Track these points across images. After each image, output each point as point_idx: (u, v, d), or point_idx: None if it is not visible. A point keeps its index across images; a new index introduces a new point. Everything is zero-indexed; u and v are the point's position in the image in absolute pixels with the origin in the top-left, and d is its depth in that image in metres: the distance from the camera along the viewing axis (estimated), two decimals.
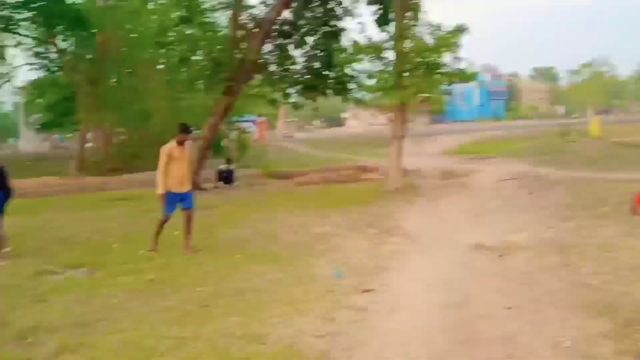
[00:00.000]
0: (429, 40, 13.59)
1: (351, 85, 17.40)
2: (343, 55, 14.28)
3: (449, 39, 13.13)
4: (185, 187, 8.28)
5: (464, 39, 13.39)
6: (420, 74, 13.33)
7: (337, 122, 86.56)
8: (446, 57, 13.59)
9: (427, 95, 13.84)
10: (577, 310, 5.30)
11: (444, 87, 14.21)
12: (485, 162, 20.24)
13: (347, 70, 16.92)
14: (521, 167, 17.50)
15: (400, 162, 13.99)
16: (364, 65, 14.52)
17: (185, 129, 8.31)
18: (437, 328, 5.08)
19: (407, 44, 13.48)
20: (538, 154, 22.08)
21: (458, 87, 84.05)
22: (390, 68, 13.64)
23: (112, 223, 10.84)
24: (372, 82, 14.40)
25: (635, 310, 5.13)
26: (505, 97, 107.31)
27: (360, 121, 77.14)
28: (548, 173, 15.46)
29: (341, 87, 17.61)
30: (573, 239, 8.19)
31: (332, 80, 17.70)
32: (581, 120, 33.38)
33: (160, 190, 8.04)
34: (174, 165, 8.09)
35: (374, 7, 16.34)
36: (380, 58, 13.80)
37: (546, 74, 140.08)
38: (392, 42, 13.62)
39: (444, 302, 5.80)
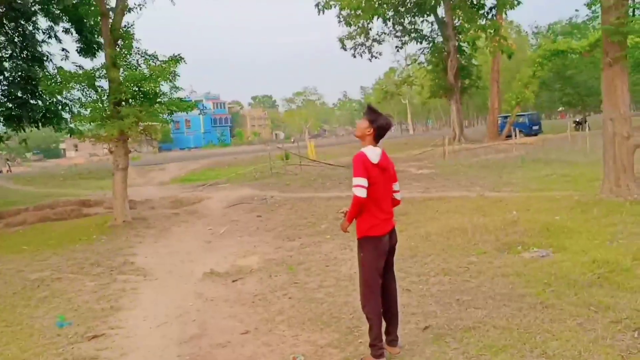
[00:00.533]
0: (144, 69, 13.30)
1: (64, 115, 16.19)
2: (49, 83, 13.08)
3: (165, 68, 13.01)
4: None
5: (182, 69, 13.45)
6: (138, 104, 12.95)
7: (55, 153, 79.89)
8: (164, 87, 13.44)
9: (147, 124, 13.44)
10: (307, 325, 5.60)
11: (164, 116, 13.98)
12: (214, 188, 20.55)
13: (58, 99, 15.68)
14: (248, 191, 18.18)
15: (126, 194, 13.35)
16: (76, 94, 13.54)
17: None
18: None
19: (121, 73, 12.99)
20: (263, 177, 23.25)
21: (182, 115, 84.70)
22: (105, 97, 12.98)
23: None
24: (86, 112, 13.50)
25: (354, 317, 5.60)
26: (230, 124, 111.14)
27: (81, 152, 72.36)
28: (273, 195, 16.32)
29: (51, 117, 16.24)
30: (299, 256, 8.71)
31: (39, 110, 16.21)
32: (299, 144, 36.12)
33: None
34: None
35: (74, 36, 15.60)
36: (93, 87, 13.02)
37: (265, 102, 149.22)
38: (104, 71, 12.98)
39: (180, 336, 5.63)
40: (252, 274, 7.98)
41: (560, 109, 64.55)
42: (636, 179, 10.74)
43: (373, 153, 4.46)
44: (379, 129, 4.52)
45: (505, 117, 42.76)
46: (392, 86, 56.47)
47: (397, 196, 4.81)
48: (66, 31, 16.09)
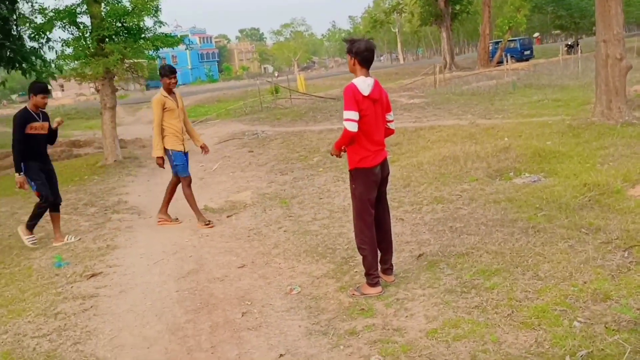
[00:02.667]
0: (126, 3, 12.89)
1: (36, 59, 15.76)
2: (31, 23, 12.68)
3: (147, 2, 12.62)
4: None
5: (166, 3, 13.07)
6: (122, 40, 12.64)
7: None
8: (148, 22, 13.10)
9: (133, 61, 13.16)
10: (303, 257, 5.67)
11: (150, 52, 13.67)
12: (204, 125, 20.40)
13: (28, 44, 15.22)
14: (239, 126, 18.06)
15: (115, 133, 13.22)
16: (58, 32, 13.14)
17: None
18: (172, 300, 4.96)
19: (103, 8, 12.58)
20: (253, 112, 23.04)
21: (169, 51, 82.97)
22: (88, 34, 12.62)
23: None
24: (69, 50, 13.14)
25: (349, 247, 5.67)
26: (217, 59, 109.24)
27: (68, 92, 71.24)
28: (264, 130, 16.22)
29: (20, 61, 15.81)
30: (292, 190, 8.74)
31: (12, 52, 15.74)
32: (288, 77, 35.63)
33: None
34: None
35: None
36: (75, 23, 12.62)
37: (252, 35, 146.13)
38: (85, 7, 12.56)
39: (178, 272, 5.69)
40: (246, 208, 8.03)
41: (535, 34, 63.27)
42: (628, 102, 10.70)
43: (364, 84, 4.32)
44: (360, 54, 4.32)
45: (497, 43, 42.23)
46: (382, 14, 55.23)
47: (391, 126, 4.73)
48: None
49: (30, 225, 7.11)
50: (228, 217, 7.70)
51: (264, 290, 4.95)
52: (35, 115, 6.77)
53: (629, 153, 7.88)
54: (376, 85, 4.42)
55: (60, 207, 7.31)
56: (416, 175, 8.26)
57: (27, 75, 16.44)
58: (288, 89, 27.01)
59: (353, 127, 4.26)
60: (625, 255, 4.57)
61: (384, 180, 4.65)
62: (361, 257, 4.63)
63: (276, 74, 64.44)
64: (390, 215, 4.91)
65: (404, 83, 31.82)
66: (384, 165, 4.59)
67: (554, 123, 11.09)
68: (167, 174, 11.53)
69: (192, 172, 11.41)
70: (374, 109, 4.37)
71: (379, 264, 4.68)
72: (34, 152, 6.80)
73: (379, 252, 4.68)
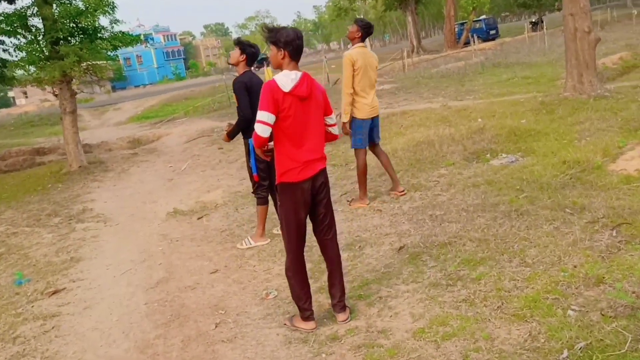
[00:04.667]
0: (80, 3, 12.33)
1: None
2: None
3: (101, 0, 12.08)
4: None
5: (125, 1, 12.58)
6: (78, 41, 12.10)
7: (5, 102, 76.79)
8: (103, 21, 12.56)
9: (90, 63, 12.60)
10: (278, 257, 5.38)
11: (109, 52, 13.15)
12: (173, 124, 19.91)
13: None
14: (208, 123, 17.63)
15: (78, 137, 12.69)
16: (12, 32, 12.43)
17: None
18: (141, 313, 4.64)
19: (55, 9, 12.03)
20: (221, 108, 22.60)
21: (133, 51, 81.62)
22: (41, 37, 12.05)
23: None
24: (21, 55, 12.55)
25: None
26: (183, 56, 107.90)
27: (31, 98, 69.64)
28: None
29: None
30: None
31: None
32: (256, 70, 35.05)
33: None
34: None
35: None
36: (26, 27, 12.03)
37: (217, 30, 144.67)
38: (36, 9, 11.98)
39: (146, 282, 5.37)
40: (218, 209, 7.70)
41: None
42: (598, 74, 10.60)
43: (286, 79, 3.60)
44: (291, 44, 3.64)
45: (462, 24, 42.23)
46: (346, 2, 54.91)
47: (334, 130, 3.99)
48: None
49: None
50: (199, 219, 7.36)
51: (239, 297, 4.66)
52: None
53: (605, 127, 7.74)
54: (305, 79, 3.66)
55: (23, 219, 6.89)
56: (391, 163, 8.00)
57: None
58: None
59: (263, 132, 3.58)
60: (614, 234, 4.38)
61: (319, 198, 3.83)
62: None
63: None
64: (339, 243, 4.13)
65: None
66: (317, 178, 3.77)
67: (526, 101, 10.95)
68: (133, 178, 11.20)
69: (160, 174, 11.13)
70: (302, 108, 3.65)
71: (313, 295, 4.06)
72: None
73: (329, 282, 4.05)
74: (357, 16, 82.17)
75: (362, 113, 6.24)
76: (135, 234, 7.19)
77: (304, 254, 3.98)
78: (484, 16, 45.98)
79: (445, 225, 5.30)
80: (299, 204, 3.76)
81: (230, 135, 5.74)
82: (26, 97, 79.86)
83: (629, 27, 28.56)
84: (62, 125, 12.60)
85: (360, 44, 6.25)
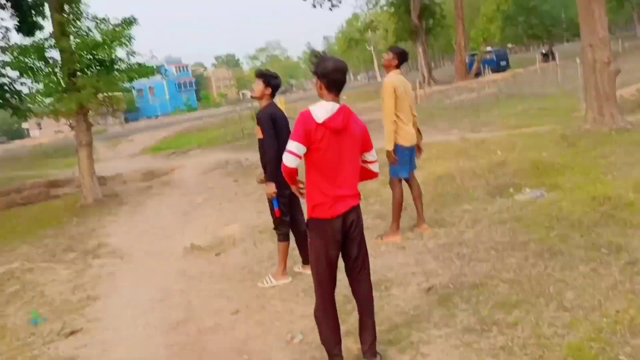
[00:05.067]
0: (97, 35, 12.44)
1: (16, 92, 15.19)
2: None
3: (118, 32, 12.19)
4: None
5: (138, 33, 12.69)
6: (95, 73, 12.16)
7: (19, 134, 77.63)
8: (120, 52, 12.63)
9: (107, 94, 12.66)
10: (301, 297, 5.22)
11: (125, 84, 13.21)
12: (187, 156, 19.92)
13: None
14: (222, 155, 17.59)
15: (93, 170, 12.68)
16: (26, 69, 12.52)
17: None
18: (161, 357, 4.47)
19: (73, 41, 12.13)
20: (235, 139, 22.62)
21: (146, 83, 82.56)
22: (58, 69, 12.13)
23: None
24: (39, 87, 12.64)
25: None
26: (195, 87, 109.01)
27: (45, 130, 70.36)
28: (248, 157, 15.77)
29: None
30: None
31: None
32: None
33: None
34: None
35: (9, 13, 14.49)
36: (43, 59, 12.12)
37: (228, 61, 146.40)
38: (54, 41, 12.09)
39: (166, 322, 5.20)
40: (236, 244, 7.55)
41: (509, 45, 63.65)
42: (619, 106, 10.47)
43: (321, 110, 3.48)
44: (327, 76, 3.51)
45: (473, 55, 42.39)
46: (356, 33, 55.42)
47: (374, 167, 3.81)
48: (2, 7, 14.83)
49: None
50: (217, 255, 7.22)
51: (262, 340, 4.49)
52: None
53: (632, 161, 7.58)
54: (342, 112, 3.52)
55: (38, 254, 6.76)
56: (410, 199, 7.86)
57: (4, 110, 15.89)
58: None
59: (291, 162, 3.48)
60: None
61: (350, 237, 3.65)
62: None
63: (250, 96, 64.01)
64: (372, 285, 3.98)
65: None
66: (348, 216, 3.59)
67: (545, 133, 10.82)
68: (148, 211, 11.11)
69: (176, 208, 11.02)
70: (336, 141, 3.50)
71: (358, 341, 3.91)
72: None
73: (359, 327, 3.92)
74: (368, 47, 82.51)
75: (406, 140, 6.16)
76: (152, 270, 7.05)
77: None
78: (492, 47, 46.20)
79: (474, 264, 5.13)
80: (329, 242, 3.61)
81: (272, 177, 5.45)
82: (40, 128, 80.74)
83: None
84: (78, 157, 12.59)
85: (397, 70, 6.20)
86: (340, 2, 45.45)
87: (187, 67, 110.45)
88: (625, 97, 14.05)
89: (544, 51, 46.55)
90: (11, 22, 14.36)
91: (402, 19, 42.49)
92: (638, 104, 13.36)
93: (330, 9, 43.66)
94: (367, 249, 3.84)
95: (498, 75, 33.30)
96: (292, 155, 3.47)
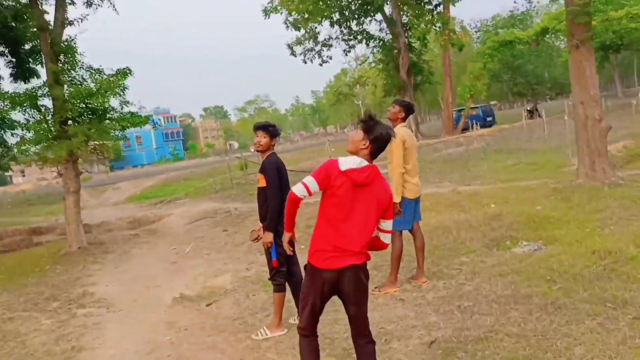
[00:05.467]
0: (91, 84, 12.45)
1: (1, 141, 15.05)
2: None
3: (113, 82, 12.22)
4: None
5: (129, 83, 12.73)
6: (86, 121, 12.09)
7: (2, 181, 76.79)
8: (113, 102, 12.62)
9: (98, 143, 12.55)
10: (298, 350, 4.99)
11: (116, 133, 13.15)
12: (173, 205, 19.70)
13: None
14: (210, 204, 17.41)
15: (79, 218, 12.45)
16: (16, 117, 12.51)
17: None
18: None
19: (66, 90, 12.11)
20: (223, 189, 22.47)
21: (133, 132, 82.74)
22: (50, 117, 12.06)
23: None
24: (30, 134, 12.52)
25: (348, 336, 5.04)
26: (182, 138, 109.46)
27: (29, 177, 69.77)
28: (237, 207, 15.62)
29: None
30: None
31: None
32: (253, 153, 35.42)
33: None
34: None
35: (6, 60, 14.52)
36: (36, 107, 12.08)
37: (217, 113, 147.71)
38: (47, 89, 12.07)
39: None
40: (227, 295, 7.34)
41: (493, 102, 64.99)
42: (611, 162, 10.55)
43: (348, 160, 3.48)
44: (377, 142, 3.52)
45: (459, 111, 43.08)
46: (345, 87, 56.26)
47: (384, 237, 3.64)
48: (1, 54, 14.87)
49: None
50: (208, 305, 6.98)
51: None
52: None
53: (628, 216, 7.56)
54: (368, 170, 3.47)
55: (19, 302, 6.47)
56: (408, 249, 7.72)
57: None
58: (258, 163, 26.60)
59: (299, 192, 3.49)
60: None
61: (347, 296, 3.57)
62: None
63: (252, 149, 64.21)
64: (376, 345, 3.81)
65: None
66: (344, 273, 3.47)
67: (537, 187, 10.83)
68: (135, 260, 10.84)
69: (163, 257, 10.77)
70: (353, 194, 3.44)
71: None
72: None
73: None
74: (357, 102, 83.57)
75: (411, 193, 6.12)
76: (140, 321, 6.78)
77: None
78: (478, 104, 47.05)
79: (476, 318, 4.98)
80: (317, 292, 3.57)
81: (271, 227, 5.36)
82: (23, 175, 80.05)
83: (624, 116, 29.11)
84: (65, 204, 12.37)
85: (403, 123, 6.19)
86: (330, 59, 46.27)
87: (175, 117, 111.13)
88: (613, 152, 14.23)
89: (529, 108, 47.47)
90: (7, 70, 14.35)
91: (390, 75, 43.16)
92: (626, 160, 13.53)
93: (321, 65, 44.26)
94: (366, 312, 3.72)
95: (484, 131, 33.75)
96: (304, 187, 3.49)
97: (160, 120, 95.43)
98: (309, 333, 3.75)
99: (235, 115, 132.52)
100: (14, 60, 14.48)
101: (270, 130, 5.51)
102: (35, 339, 6.50)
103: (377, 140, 3.53)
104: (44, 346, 6.18)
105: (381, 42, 44.14)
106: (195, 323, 6.35)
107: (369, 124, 3.57)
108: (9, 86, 14.95)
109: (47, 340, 6.37)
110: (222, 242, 11.29)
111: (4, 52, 14.62)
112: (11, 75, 14.49)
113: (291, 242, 3.95)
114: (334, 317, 5.73)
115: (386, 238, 3.66)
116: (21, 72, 14.40)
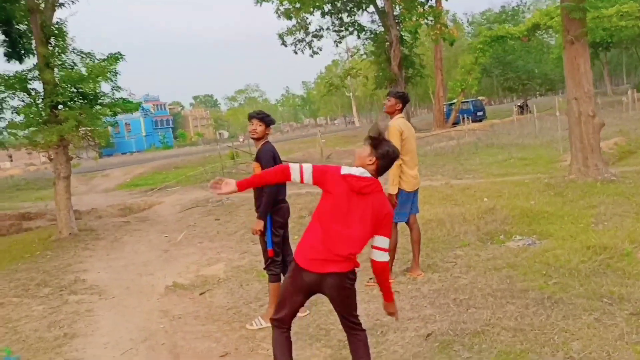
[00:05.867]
0: (82, 69, 12.31)
1: None
2: None
3: (104, 67, 12.09)
4: None
5: (121, 69, 12.62)
6: (77, 106, 11.96)
7: None
8: (105, 87, 12.51)
9: (89, 128, 12.43)
10: (293, 341, 4.99)
11: (108, 119, 13.03)
12: (164, 193, 19.59)
13: None
14: (201, 193, 17.32)
15: (70, 204, 12.34)
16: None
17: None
18: None
19: (57, 74, 11.98)
20: (213, 178, 22.35)
21: (123, 118, 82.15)
22: (40, 101, 11.92)
23: None
24: (19, 118, 12.38)
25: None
26: (171, 126, 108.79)
27: (17, 162, 69.17)
28: (229, 197, 15.56)
29: None
30: None
31: None
32: (248, 142, 35.34)
33: None
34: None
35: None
36: (25, 90, 11.94)
37: (207, 101, 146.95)
38: (37, 72, 11.92)
39: None
40: (220, 284, 7.31)
41: (481, 98, 65.13)
42: (603, 158, 10.61)
43: (352, 169, 3.48)
44: (383, 159, 3.52)
45: (450, 105, 43.14)
46: (336, 79, 56.13)
47: (376, 255, 3.51)
48: None
49: None
50: (201, 294, 6.96)
51: None
52: None
53: (621, 212, 7.61)
54: (369, 181, 3.46)
55: (10, 288, 6.41)
56: (402, 242, 7.72)
57: None
58: (249, 153, 26.54)
59: (294, 168, 3.52)
60: None
61: (331, 298, 3.63)
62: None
63: (241, 139, 63.71)
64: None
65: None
66: (326, 279, 3.46)
67: (530, 182, 10.89)
68: (126, 247, 10.77)
69: (155, 245, 10.72)
70: (347, 199, 3.41)
71: None
72: None
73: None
74: (347, 93, 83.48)
75: (409, 185, 6.10)
76: (133, 309, 6.74)
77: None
78: (468, 98, 47.18)
79: (472, 311, 5.00)
80: (296, 288, 3.61)
81: (264, 215, 5.37)
82: (11, 160, 79.30)
83: (614, 113, 29.31)
84: (55, 190, 12.25)
85: (401, 114, 6.15)
86: (320, 50, 46.10)
87: (164, 105, 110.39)
88: (605, 149, 14.32)
89: (519, 103, 47.67)
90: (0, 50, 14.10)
91: (382, 67, 43.10)
92: (618, 156, 13.62)
93: (311, 56, 44.15)
94: (355, 312, 3.73)
95: (475, 125, 33.85)
96: (299, 168, 3.53)
97: (149, 107, 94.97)
98: (284, 326, 3.76)
99: (226, 104, 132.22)
100: (7, 40, 14.27)
101: (266, 119, 5.51)
102: (27, 325, 6.44)
103: (384, 157, 3.54)
104: (36, 332, 6.12)
105: (373, 34, 44.07)
106: (189, 312, 6.32)
107: (377, 141, 3.56)
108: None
109: (38, 327, 6.31)
110: (214, 230, 11.24)
111: None
112: (5, 55, 14.29)
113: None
114: (329, 307, 5.69)
115: (379, 255, 3.52)
116: (15, 52, 14.20)
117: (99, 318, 6.48)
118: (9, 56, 13.98)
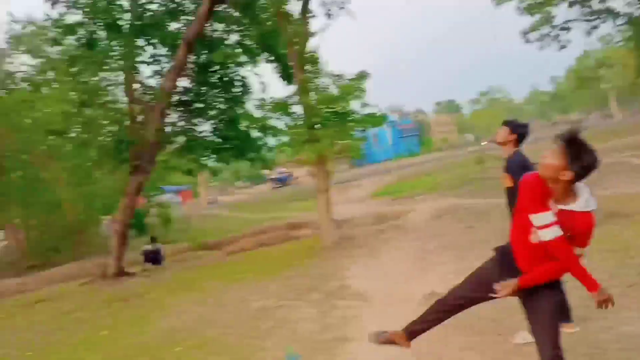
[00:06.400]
0: (334, 90, 13.42)
1: (258, 146, 17.17)
2: (249, 116, 14.30)
3: (353, 86, 13.03)
4: None
5: (367, 84, 13.45)
6: (332, 125, 13.04)
7: (262, 180, 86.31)
8: (354, 104, 13.51)
9: (343, 143, 13.53)
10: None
11: (358, 133, 14.04)
12: (413, 200, 20.07)
13: (254, 131, 16.69)
14: (449, 200, 17.38)
15: (330, 215, 13.43)
16: (273, 122, 14.28)
17: None
18: None
19: (313, 97, 13.23)
20: (461, 184, 22.24)
21: (370, 130, 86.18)
22: (301, 122, 13.30)
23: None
24: (284, 139, 14.15)
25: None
26: (416, 133, 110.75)
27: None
28: (476, 203, 15.34)
29: (250, 150, 17.29)
30: None
31: (236, 143, 17.29)
32: (491, 145, 34.38)
33: None
34: None
35: (274, 65, 16.43)
36: (288, 114, 13.53)
37: (449, 107, 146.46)
38: (297, 97, 13.38)
39: None
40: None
41: None
42: None
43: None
44: (582, 170, 3.00)
45: None
46: (588, 71, 51.61)
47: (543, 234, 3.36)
48: (269, 61, 17.03)
49: None
50: None
51: None
52: None
53: None
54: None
55: (286, 292, 7.24)
56: None
57: (254, 164, 18.03)
58: (497, 158, 25.76)
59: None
60: None
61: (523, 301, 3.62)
62: None
63: (483, 142, 62.42)
64: None
65: (626, 141, 28.61)
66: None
67: None
68: (383, 255, 11.29)
69: (409, 253, 11.05)
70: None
71: None
72: None
73: None
74: (602, 85, 76.26)
75: None
76: (395, 315, 7.06)
77: None
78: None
79: None
80: (478, 276, 3.94)
81: None
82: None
83: None
84: (318, 203, 13.44)
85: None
86: (569, 42, 42.78)
87: (408, 114, 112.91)
88: None
89: None
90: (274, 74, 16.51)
91: None
92: None
93: (559, 50, 41.14)
94: (550, 327, 3.57)
95: None
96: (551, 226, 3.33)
97: (394, 117, 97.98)
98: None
99: (468, 108, 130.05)
100: (279, 65, 16.46)
101: (513, 125, 5.37)
102: (303, 326, 7.19)
103: (583, 171, 2.97)
104: (312, 334, 6.80)
105: (630, 18, 39.43)
106: (449, 322, 6.40)
107: (574, 148, 2.95)
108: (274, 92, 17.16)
109: (313, 329, 7.00)
110: (467, 239, 11.17)
111: (270, 58, 16.72)
112: (280, 76, 16.46)
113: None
114: (601, 324, 5.34)
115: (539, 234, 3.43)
116: (286, 75, 16.25)
117: (366, 323, 6.91)
118: (282, 78, 16.15)
